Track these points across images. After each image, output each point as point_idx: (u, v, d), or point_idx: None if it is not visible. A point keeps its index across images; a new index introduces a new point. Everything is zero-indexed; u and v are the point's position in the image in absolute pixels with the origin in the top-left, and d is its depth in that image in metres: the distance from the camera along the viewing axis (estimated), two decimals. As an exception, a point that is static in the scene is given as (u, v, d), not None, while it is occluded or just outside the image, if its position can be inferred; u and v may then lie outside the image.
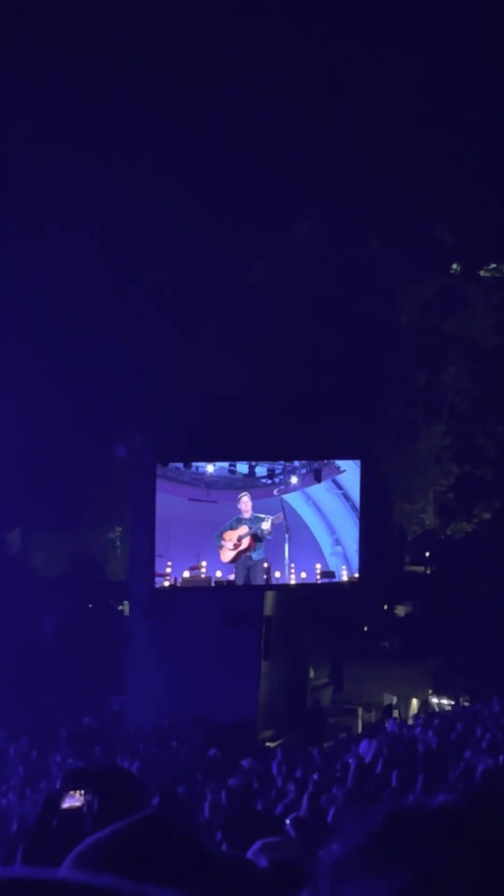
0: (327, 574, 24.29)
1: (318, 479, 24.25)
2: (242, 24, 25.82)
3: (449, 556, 33.25)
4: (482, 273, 33.69)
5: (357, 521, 24.49)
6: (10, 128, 25.73)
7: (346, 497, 24.52)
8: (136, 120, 26.09)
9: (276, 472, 24.15)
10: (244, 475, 24.14)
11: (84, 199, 26.06)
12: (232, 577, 23.97)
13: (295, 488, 24.06)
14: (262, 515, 23.99)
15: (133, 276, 26.56)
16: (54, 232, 25.90)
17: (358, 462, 24.62)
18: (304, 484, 24.06)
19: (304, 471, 24.13)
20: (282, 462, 24.38)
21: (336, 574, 24.37)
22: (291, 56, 26.40)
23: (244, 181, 26.48)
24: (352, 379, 27.65)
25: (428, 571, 34.76)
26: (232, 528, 24.01)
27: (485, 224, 31.01)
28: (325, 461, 24.57)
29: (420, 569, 35.13)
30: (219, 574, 23.90)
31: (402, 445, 30.96)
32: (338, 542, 24.46)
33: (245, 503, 23.88)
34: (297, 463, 24.47)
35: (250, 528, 23.91)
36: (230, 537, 24.02)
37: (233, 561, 23.92)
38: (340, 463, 24.54)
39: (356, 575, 24.48)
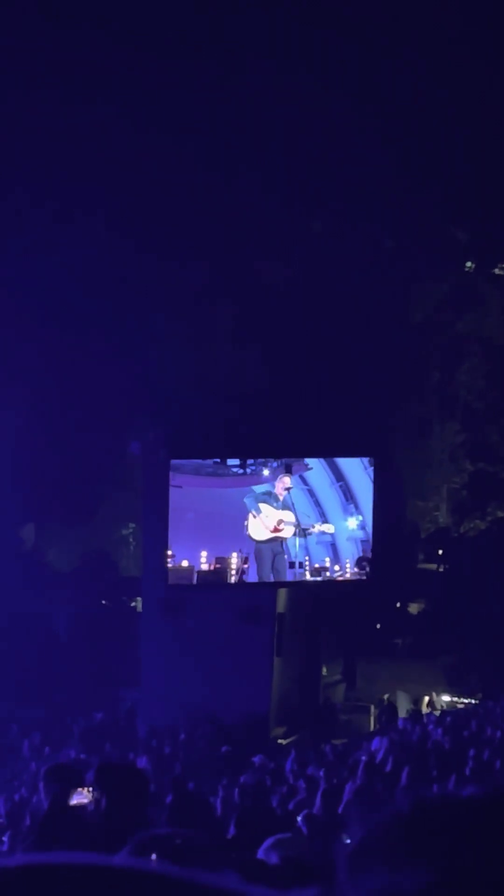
0: (293, 565, 24.36)
1: (289, 473, 24.22)
2: (261, 14, 25.84)
3: (462, 553, 33.18)
4: (496, 271, 33.61)
5: (318, 517, 24.47)
6: (12, 129, 25.75)
7: (311, 493, 24.44)
8: (147, 116, 26.11)
9: (248, 462, 23.97)
10: (215, 462, 23.91)
11: (97, 195, 26.08)
12: (204, 566, 23.57)
13: (266, 480, 23.93)
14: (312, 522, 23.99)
15: (144, 275, 26.58)
16: (67, 229, 25.92)
17: (322, 460, 24.55)
18: (274, 476, 23.93)
19: (275, 464, 24.02)
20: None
21: (302, 565, 24.38)
22: (307, 51, 26.38)
23: (258, 178, 26.48)
24: (365, 376, 27.65)
25: (441, 569, 34.69)
26: (269, 505, 23.65)
27: (499, 222, 30.95)
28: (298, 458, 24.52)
29: (433, 566, 35.06)
30: (185, 563, 23.42)
31: (416, 443, 30.95)
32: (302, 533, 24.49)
33: (285, 482, 23.62)
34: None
35: (296, 518, 23.63)
36: (272, 515, 23.71)
37: (264, 541, 23.60)
38: (309, 460, 24.47)
39: (317, 565, 24.48)
